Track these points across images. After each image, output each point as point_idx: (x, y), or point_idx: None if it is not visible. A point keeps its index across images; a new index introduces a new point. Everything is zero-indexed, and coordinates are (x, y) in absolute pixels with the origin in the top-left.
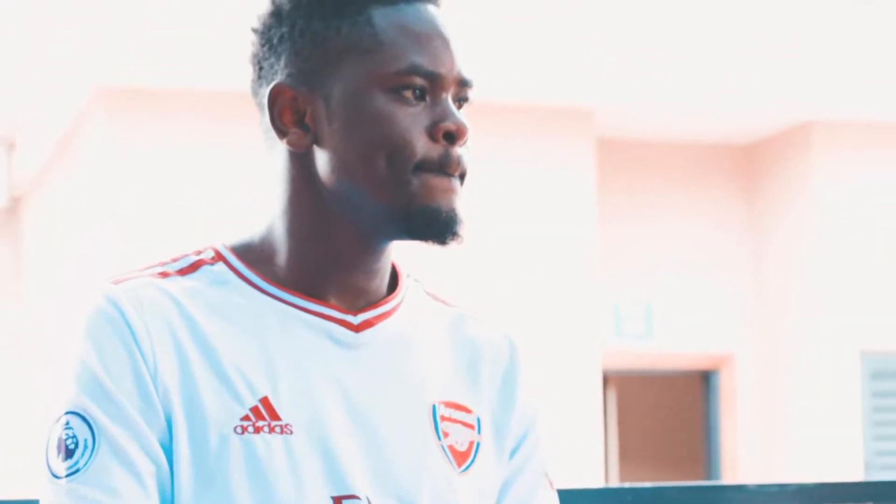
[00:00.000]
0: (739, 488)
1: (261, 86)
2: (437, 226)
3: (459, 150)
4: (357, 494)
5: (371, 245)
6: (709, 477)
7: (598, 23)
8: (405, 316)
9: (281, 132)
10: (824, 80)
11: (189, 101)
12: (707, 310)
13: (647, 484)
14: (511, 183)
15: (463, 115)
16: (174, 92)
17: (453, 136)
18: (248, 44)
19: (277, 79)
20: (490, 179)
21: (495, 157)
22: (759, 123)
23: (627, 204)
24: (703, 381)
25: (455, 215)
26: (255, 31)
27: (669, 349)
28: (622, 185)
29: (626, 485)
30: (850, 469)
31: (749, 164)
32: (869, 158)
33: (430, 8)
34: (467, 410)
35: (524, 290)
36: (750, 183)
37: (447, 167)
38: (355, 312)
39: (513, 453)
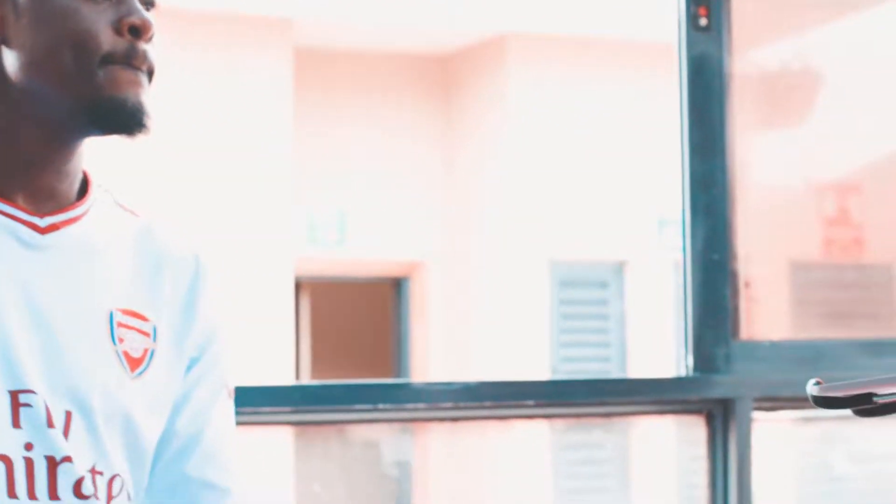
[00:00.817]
0: (404, 386)
1: None
2: (123, 117)
3: (145, 46)
4: (33, 389)
5: (61, 143)
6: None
7: None
8: (93, 223)
9: None
10: None
11: None
12: (400, 218)
13: (315, 382)
14: (206, 92)
15: (149, 14)
16: None
17: (139, 31)
18: None
19: None
20: (184, 87)
21: (190, 65)
22: (455, 35)
23: (323, 114)
24: (394, 288)
25: (142, 107)
26: None
27: (362, 256)
28: (318, 95)
29: (295, 384)
30: (537, 374)
31: (444, 76)
32: (562, 72)
33: None
34: (144, 319)
35: (218, 198)
36: (445, 94)
37: (133, 60)
38: (42, 215)
39: (191, 366)
